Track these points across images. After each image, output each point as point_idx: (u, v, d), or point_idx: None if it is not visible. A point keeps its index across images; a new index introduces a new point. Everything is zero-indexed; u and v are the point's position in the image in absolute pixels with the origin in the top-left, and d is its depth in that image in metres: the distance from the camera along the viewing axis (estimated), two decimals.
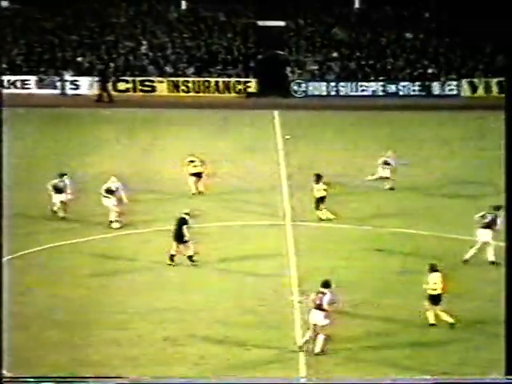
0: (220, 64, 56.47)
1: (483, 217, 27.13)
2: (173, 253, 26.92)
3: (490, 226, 26.91)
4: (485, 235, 27.03)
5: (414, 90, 54.94)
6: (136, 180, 34.66)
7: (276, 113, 48.65)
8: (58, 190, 31.10)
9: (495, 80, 54.29)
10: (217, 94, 54.62)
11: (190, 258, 26.92)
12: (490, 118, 47.37)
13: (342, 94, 54.78)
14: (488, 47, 56.63)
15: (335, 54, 57.52)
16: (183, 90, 54.93)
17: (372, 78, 55.67)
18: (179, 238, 26.78)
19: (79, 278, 26.11)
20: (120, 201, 30.45)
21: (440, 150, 41.51)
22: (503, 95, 58.65)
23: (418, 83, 55.05)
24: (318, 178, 31.40)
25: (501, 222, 25.76)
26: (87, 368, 20.40)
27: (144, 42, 57.65)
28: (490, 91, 54.51)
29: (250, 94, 54.50)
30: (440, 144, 42.50)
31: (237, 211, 32.16)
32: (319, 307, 21.44)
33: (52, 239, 28.94)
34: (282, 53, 57.58)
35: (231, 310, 24.10)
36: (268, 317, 23.68)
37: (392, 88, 55.00)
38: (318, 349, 21.44)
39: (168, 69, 56.15)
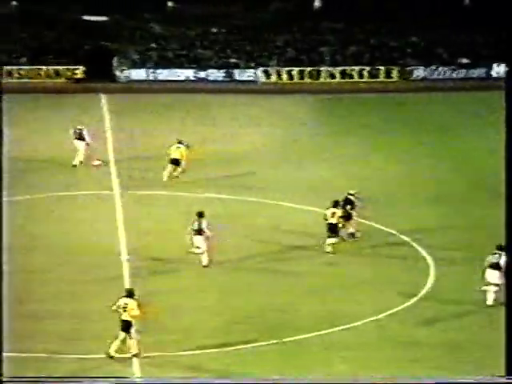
0: (51, 54, 54.91)
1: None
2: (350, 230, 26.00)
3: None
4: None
5: (219, 76, 55.31)
6: None
7: (103, 96, 47.83)
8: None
9: (286, 69, 55.57)
10: (48, 80, 53.08)
11: (351, 234, 25.89)
12: (281, 100, 48.74)
13: (159, 79, 54.49)
14: (280, 41, 57.83)
15: (153, 45, 57.17)
16: (17, 77, 53.08)
17: (185, 66, 55.64)
18: (344, 216, 25.64)
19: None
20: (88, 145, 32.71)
21: (241, 126, 41.94)
22: (293, 81, 60.87)
23: (222, 70, 55.48)
24: (335, 203, 25.48)
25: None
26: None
27: None
28: (281, 78, 55.60)
29: (78, 80, 53.43)
30: (241, 122, 42.98)
31: (72, 184, 31.47)
32: (495, 267, 21.24)
33: None
34: (107, 43, 56.59)
35: (70, 268, 23.69)
36: (102, 273, 23.40)
37: (202, 74, 55.20)
38: (490, 302, 21.05)
39: (3, 58, 54.04)
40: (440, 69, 55.63)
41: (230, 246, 25.56)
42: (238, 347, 19.32)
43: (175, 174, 31.73)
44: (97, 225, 27.27)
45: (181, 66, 55.63)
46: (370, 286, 22.93)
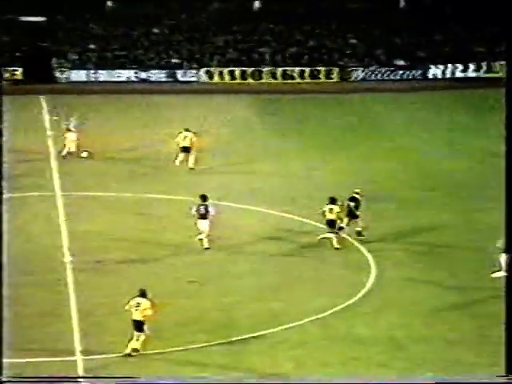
0: None
1: None
2: (342, 225, 25.70)
3: None
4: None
5: (161, 77, 55.03)
6: None
7: (43, 97, 47.14)
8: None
9: (227, 69, 55.55)
10: None
11: (358, 233, 25.76)
12: (224, 100, 48.74)
13: (100, 80, 53.95)
14: (221, 42, 57.84)
15: (93, 46, 56.53)
16: None
17: (126, 66, 55.21)
18: (351, 214, 25.60)
19: None
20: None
21: (182, 125, 41.74)
22: (235, 81, 60.93)
23: (165, 71, 55.21)
24: (332, 200, 25.63)
25: None
26: None
27: None
28: (223, 78, 55.58)
29: (17, 81, 52.47)
30: (187, 122, 42.76)
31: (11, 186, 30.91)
32: None
33: None
34: (45, 44, 55.76)
35: (11, 271, 23.21)
36: (44, 276, 23.06)
37: (143, 75, 54.84)
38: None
39: None
40: (378, 70, 56.29)
41: (174, 247, 25.47)
42: (185, 348, 19.23)
43: (191, 166, 32.75)
44: (39, 226, 26.85)
45: (122, 67, 55.18)
46: (313, 284, 23.05)
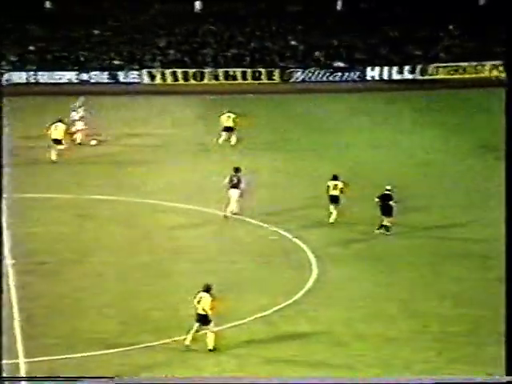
0: None
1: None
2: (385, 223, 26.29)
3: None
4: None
5: (103, 78, 54.54)
6: None
7: None
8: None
9: (169, 70, 55.39)
10: None
11: (386, 227, 26.22)
12: (166, 101, 48.57)
13: (41, 81, 53.22)
14: (162, 43, 57.58)
15: (32, 47, 55.74)
16: None
17: (67, 68, 54.57)
18: (385, 211, 26.06)
19: None
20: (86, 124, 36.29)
21: (125, 127, 41.65)
22: (178, 82, 60.66)
23: (106, 72, 54.73)
24: (335, 177, 27.23)
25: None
26: None
27: None
28: (165, 79, 55.36)
29: None
30: (125, 123, 42.65)
31: None
32: None
33: None
34: None
35: None
36: None
37: (85, 76, 54.26)
38: None
39: None
40: (317, 72, 56.71)
41: (119, 247, 25.32)
42: (128, 348, 19.09)
43: (232, 143, 36.05)
44: None
45: (63, 69, 54.52)
46: (256, 283, 23.10)
